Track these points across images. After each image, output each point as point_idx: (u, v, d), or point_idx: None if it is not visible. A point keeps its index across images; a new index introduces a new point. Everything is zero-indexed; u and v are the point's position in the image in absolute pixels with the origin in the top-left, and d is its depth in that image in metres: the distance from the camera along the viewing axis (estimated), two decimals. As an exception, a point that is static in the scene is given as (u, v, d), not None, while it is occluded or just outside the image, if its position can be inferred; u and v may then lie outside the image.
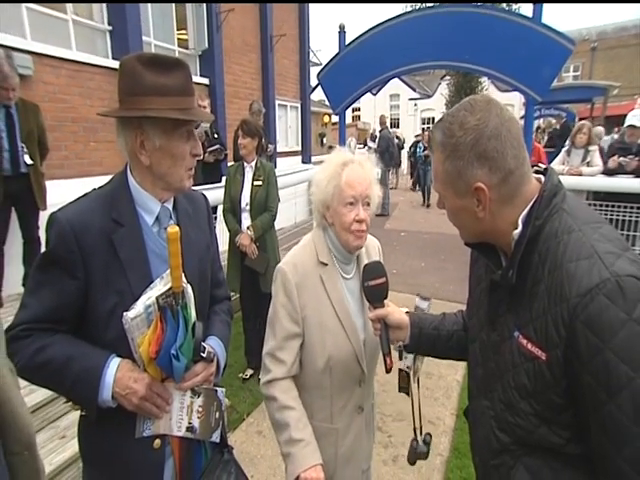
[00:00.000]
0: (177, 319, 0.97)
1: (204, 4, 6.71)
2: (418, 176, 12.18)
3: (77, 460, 2.14)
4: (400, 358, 1.34)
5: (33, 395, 2.29)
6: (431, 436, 1.34)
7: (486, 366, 0.95)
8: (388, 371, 1.18)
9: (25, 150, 3.33)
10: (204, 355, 1.04)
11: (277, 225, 3.53)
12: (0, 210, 3.33)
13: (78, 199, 1.05)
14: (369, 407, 1.43)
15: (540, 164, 0.93)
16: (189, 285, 1.01)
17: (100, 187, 1.09)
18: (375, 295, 1.15)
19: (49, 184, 3.68)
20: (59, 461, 2.08)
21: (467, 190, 0.82)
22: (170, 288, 0.97)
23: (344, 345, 1.31)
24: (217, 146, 4.80)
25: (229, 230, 3.29)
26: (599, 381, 0.68)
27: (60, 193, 3.71)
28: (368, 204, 1.31)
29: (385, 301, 1.16)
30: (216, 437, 1.13)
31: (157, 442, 1.05)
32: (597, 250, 0.72)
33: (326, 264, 1.34)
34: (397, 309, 1.17)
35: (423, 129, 16.26)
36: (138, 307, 0.94)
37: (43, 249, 1.01)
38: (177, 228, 0.92)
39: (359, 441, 1.38)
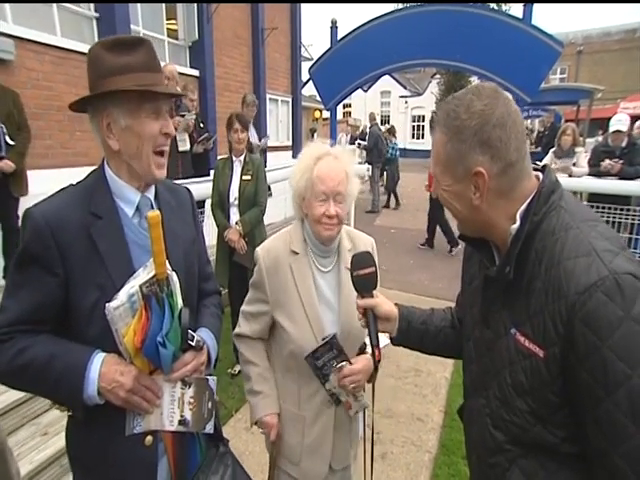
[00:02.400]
0: (162, 307, 0.95)
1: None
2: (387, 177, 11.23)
3: (59, 458, 2.08)
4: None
5: (12, 392, 2.21)
6: None
7: (480, 363, 0.94)
8: (376, 363, 1.16)
9: (4, 131, 3.26)
10: (192, 343, 1.01)
11: (267, 220, 3.50)
12: None
13: (54, 194, 1.02)
14: (342, 406, 1.40)
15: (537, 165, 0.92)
16: (174, 272, 0.98)
17: (77, 182, 1.07)
18: (364, 285, 1.12)
19: (32, 173, 3.57)
20: (41, 459, 2.02)
21: (466, 175, 0.81)
22: (154, 275, 0.94)
23: (308, 336, 1.32)
24: (205, 134, 4.70)
25: (217, 225, 3.24)
26: (596, 379, 0.68)
27: (44, 183, 3.60)
28: (340, 201, 1.31)
29: (374, 292, 1.13)
30: (210, 428, 1.10)
31: (149, 439, 1.02)
32: (595, 248, 0.72)
33: (297, 253, 1.36)
34: (386, 300, 1.15)
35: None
36: (121, 297, 0.91)
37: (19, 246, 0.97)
38: (158, 212, 0.91)
39: (327, 435, 1.38)
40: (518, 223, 0.80)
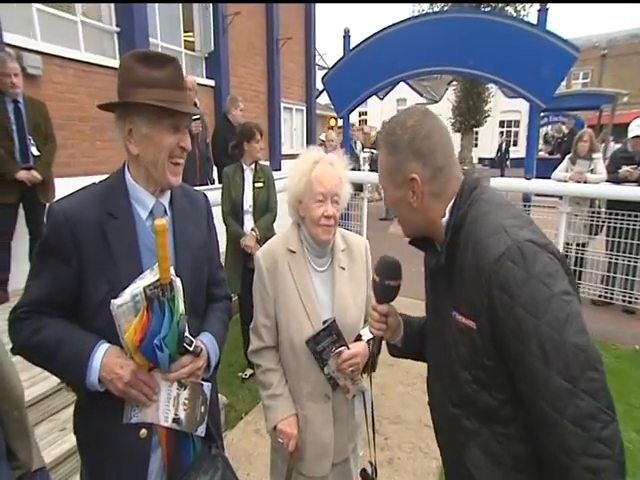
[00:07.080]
0: (163, 310, 0.99)
1: (210, 6, 6.78)
2: None
3: (76, 452, 2.16)
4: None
5: (33, 388, 2.32)
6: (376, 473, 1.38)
7: (436, 352, 1.03)
8: (373, 370, 1.24)
9: (32, 142, 3.41)
10: (190, 348, 1.06)
11: (281, 227, 3.54)
12: (9, 205, 3.39)
13: (75, 192, 1.10)
14: (339, 398, 1.45)
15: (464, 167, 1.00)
16: (178, 279, 1.03)
17: (99, 182, 1.14)
18: (389, 295, 1.13)
19: (56, 181, 3.72)
20: (58, 453, 2.10)
21: (404, 181, 0.94)
22: (158, 279, 0.99)
23: (306, 330, 1.37)
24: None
25: (230, 233, 3.30)
26: (515, 334, 0.79)
27: (66, 191, 3.76)
28: (337, 202, 1.39)
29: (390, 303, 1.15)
30: (201, 431, 1.15)
31: (143, 432, 1.07)
32: (504, 225, 0.84)
33: (294, 252, 1.43)
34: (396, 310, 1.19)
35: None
36: (125, 295, 0.97)
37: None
38: (164, 221, 0.97)
39: (327, 431, 1.42)
40: (447, 217, 0.94)
